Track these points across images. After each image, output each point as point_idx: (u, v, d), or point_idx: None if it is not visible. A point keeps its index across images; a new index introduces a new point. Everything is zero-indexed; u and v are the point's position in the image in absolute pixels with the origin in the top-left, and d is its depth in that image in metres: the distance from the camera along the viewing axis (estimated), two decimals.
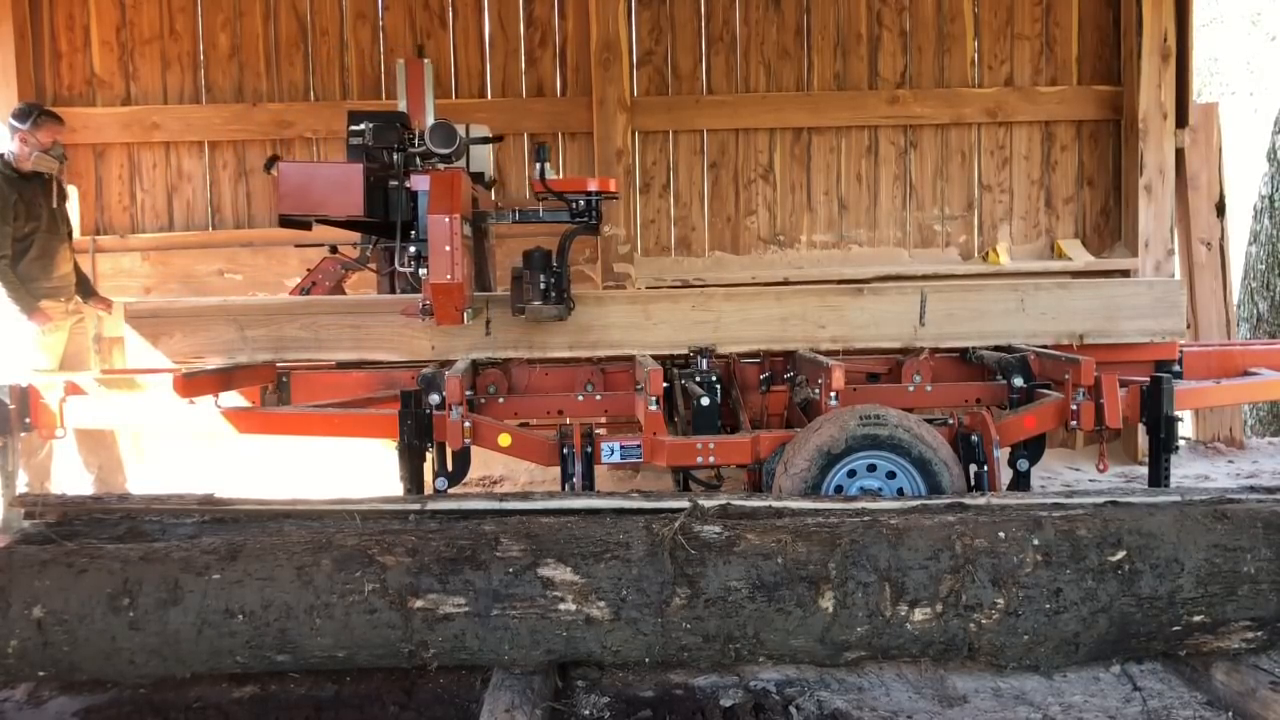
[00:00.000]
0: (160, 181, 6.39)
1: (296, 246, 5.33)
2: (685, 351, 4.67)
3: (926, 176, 6.65)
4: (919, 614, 2.77)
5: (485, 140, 4.78)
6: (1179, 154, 6.45)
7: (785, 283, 6.03)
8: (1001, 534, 2.83)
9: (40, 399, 4.23)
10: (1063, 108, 6.58)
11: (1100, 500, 3.27)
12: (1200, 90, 13.23)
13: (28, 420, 4.21)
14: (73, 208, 5.63)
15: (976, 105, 6.55)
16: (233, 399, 4.46)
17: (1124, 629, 2.81)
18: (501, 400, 4.62)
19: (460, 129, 4.31)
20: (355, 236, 5.04)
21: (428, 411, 4.10)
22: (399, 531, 2.96)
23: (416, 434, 4.05)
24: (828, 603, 2.75)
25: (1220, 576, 2.80)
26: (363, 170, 4.04)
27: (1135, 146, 6.38)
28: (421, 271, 4.15)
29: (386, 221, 4.21)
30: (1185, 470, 5.90)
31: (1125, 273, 6.38)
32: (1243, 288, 8.51)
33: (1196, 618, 2.81)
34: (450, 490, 4.12)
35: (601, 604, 2.74)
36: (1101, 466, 4.42)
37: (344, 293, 5.23)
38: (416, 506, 3.29)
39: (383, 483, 5.04)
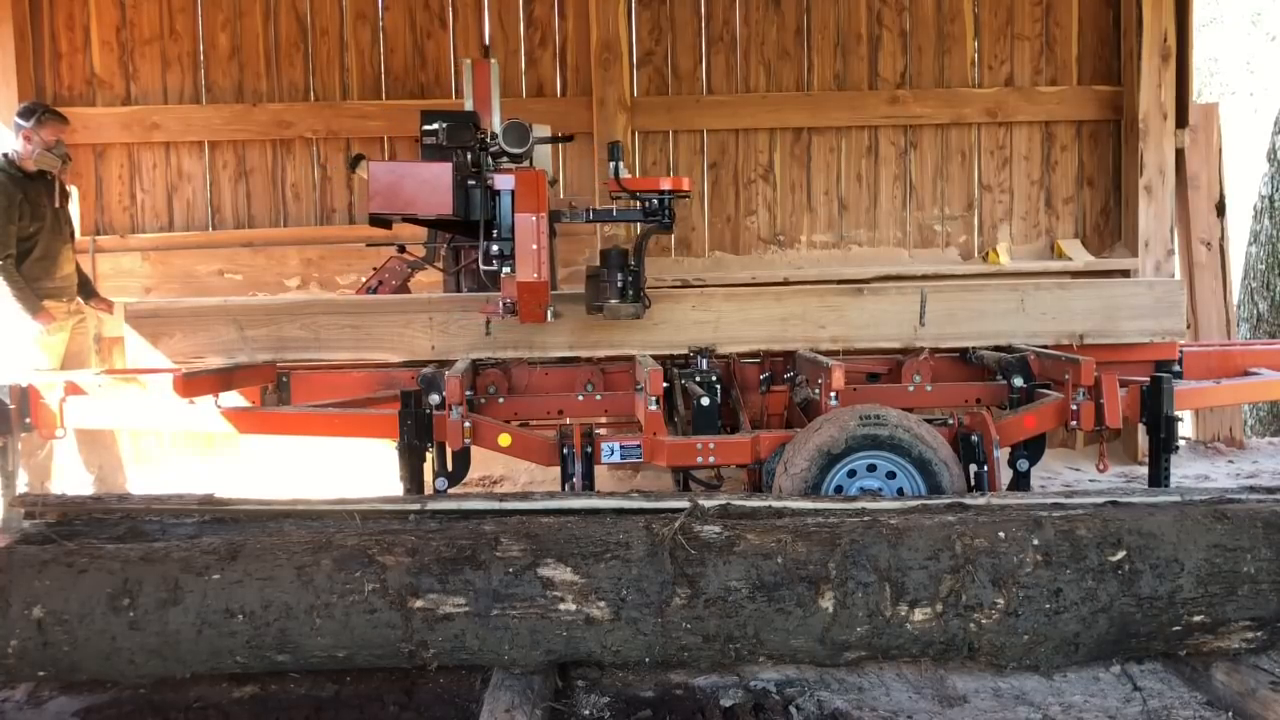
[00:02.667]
0: (160, 181, 6.39)
1: (368, 245, 5.38)
2: (685, 351, 4.67)
3: (926, 176, 6.64)
4: (919, 614, 2.77)
5: (554, 140, 4.81)
6: (1179, 154, 6.44)
7: (785, 283, 6.02)
8: (1001, 534, 2.83)
9: (40, 399, 4.23)
10: (1063, 108, 6.58)
11: (1100, 500, 3.27)
12: (1200, 90, 13.24)
13: (28, 420, 4.21)
14: (73, 208, 5.63)
15: (976, 105, 6.55)
16: (233, 399, 4.46)
17: (1124, 629, 2.81)
18: (501, 400, 4.62)
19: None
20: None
21: (428, 411, 4.10)
22: (399, 531, 2.96)
23: (416, 434, 4.06)
24: (828, 603, 2.75)
25: (1220, 576, 2.80)
26: (452, 169, 4.06)
27: (1135, 146, 6.37)
28: (504, 270, 4.15)
29: (467, 220, 4.21)
30: (1185, 470, 5.90)
31: (1125, 273, 6.38)
32: (1243, 288, 8.51)
33: (1196, 618, 2.81)
34: (450, 490, 4.12)
35: (601, 604, 2.74)
36: (1101, 466, 4.42)
37: (409, 292, 5.24)
38: (416, 506, 3.29)
39: (383, 483, 5.04)
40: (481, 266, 4.21)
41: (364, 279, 5.39)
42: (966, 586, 2.76)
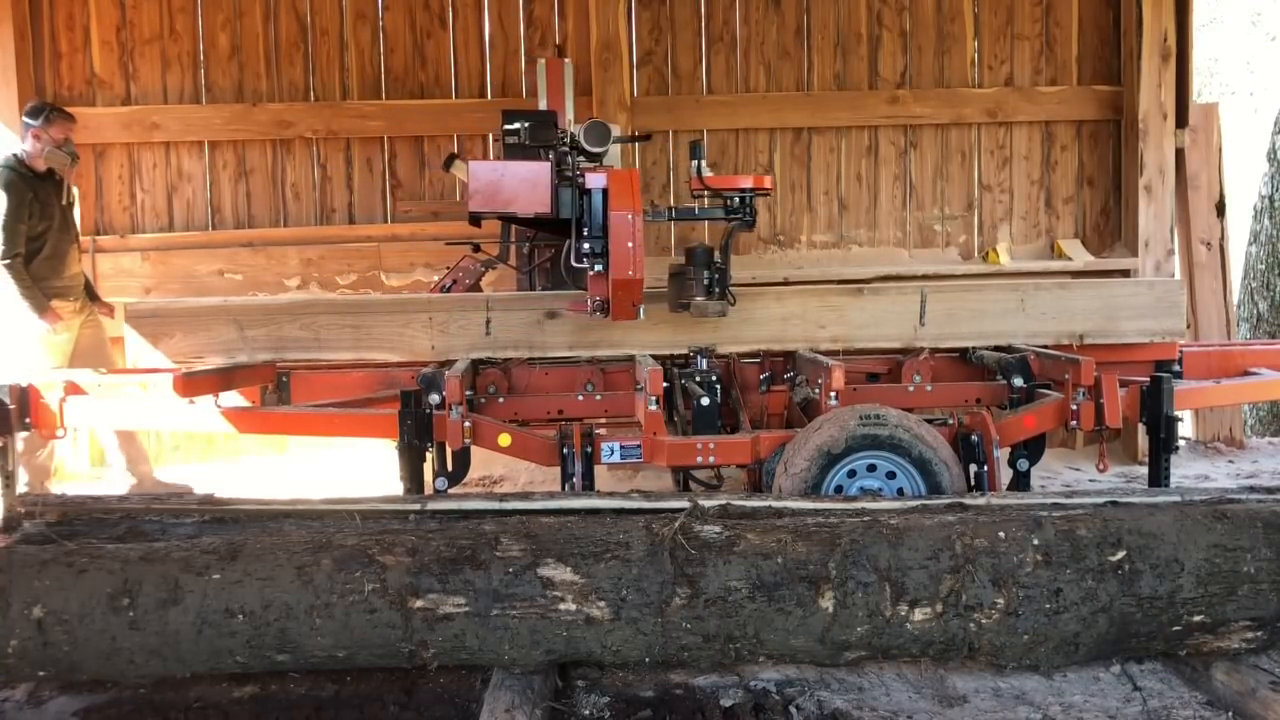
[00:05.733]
0: (160, 181, 6.39)
1: (446, 244, 5.39)
2: (685, 351, 4.67)
3: (926, 176, 6.64)
4: (919, 614, 2.77)
5: (629, 139, 4.78)
6: (1179, 154, 6.44)
7: (785, 283, 6.02)
8: (1001, 534, 2.83)
9: (40, 399, 4.23)
10: (1063, 108, 6.58)
11: (1100, 500, 3.27)
12: (1200, 90, 13.23)
13: (27, 420, 4.21)
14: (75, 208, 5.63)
15: (976, 105, 6.55)
16: (233, 399, 4.46)
17: (1124, 629, 2.81)
18: (501, 400, 4.61)
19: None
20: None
21: (428, 411, 4.10)
22: (399, 531, 2.96)
23: (416, 434, 4.05)
24: (828, 603, 2.75)
25: (1220, 576, 2.80)
26: (550, 168, 4.05)
27: (1135, 146, 6.37)
28: (596, 268, 4.15)
29: (557, 219, 4.20)
30: (1185, 470, 5.90)
31: (1125, 273, 6.38)
32: (1243, 288, 8.52)
33: (1196, 618, 2.81)
34: (450, 490, 4.12)
35: (601, 604, 2.74)
36: (1101, 466, 4.42)
37: (481, 290, 5.24)
38: (416, 506, 3.29)
39: (383, 483, 5.04)
40: (572, 264, 4.21)
41: (437, 278, 5.38)
42: (966, 586, 2.76)
